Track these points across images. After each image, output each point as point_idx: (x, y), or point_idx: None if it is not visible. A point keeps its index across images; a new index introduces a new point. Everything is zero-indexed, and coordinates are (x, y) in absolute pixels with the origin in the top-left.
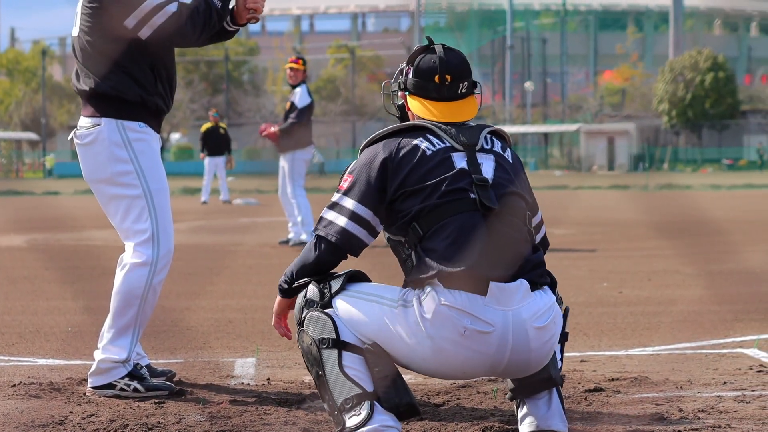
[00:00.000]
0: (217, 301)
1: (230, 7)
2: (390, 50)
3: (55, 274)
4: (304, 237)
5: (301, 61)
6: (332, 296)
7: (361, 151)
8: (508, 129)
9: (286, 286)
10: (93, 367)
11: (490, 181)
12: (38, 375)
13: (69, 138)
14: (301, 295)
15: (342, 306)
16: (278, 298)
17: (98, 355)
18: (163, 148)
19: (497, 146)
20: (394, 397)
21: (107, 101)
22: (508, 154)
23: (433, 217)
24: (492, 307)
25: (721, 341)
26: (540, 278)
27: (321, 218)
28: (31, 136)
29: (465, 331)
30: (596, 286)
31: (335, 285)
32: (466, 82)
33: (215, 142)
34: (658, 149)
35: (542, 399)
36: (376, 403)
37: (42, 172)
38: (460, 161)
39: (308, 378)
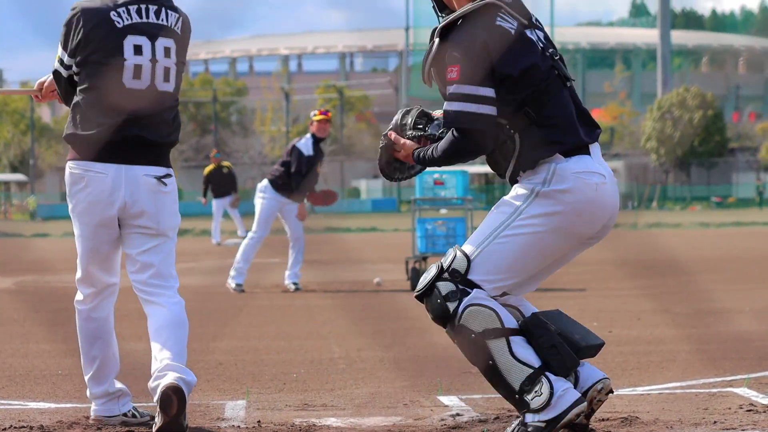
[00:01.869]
0: (207, 343)
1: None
2: (378, 90)
3: (45, 317)
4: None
5: (330, 114)
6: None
7: (440, 35)
8: None
9: (420, 157)
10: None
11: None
12: (28, 418)
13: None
14: (436, 294)
15: (482, 268)
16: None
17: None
18: None
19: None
20: (566, 362)
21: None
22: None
23: (542, 99)
24: (597, 163)
25: (711, 380)
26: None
27: (455, 113)
28: (20, 177)
29: (596, 188)
30: (587, 324)
31: (459, 264)
32: None
33: (219, 183)
34: (647, 187)
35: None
36: (549, 374)
37: (29, 213)
38: (535, 39)
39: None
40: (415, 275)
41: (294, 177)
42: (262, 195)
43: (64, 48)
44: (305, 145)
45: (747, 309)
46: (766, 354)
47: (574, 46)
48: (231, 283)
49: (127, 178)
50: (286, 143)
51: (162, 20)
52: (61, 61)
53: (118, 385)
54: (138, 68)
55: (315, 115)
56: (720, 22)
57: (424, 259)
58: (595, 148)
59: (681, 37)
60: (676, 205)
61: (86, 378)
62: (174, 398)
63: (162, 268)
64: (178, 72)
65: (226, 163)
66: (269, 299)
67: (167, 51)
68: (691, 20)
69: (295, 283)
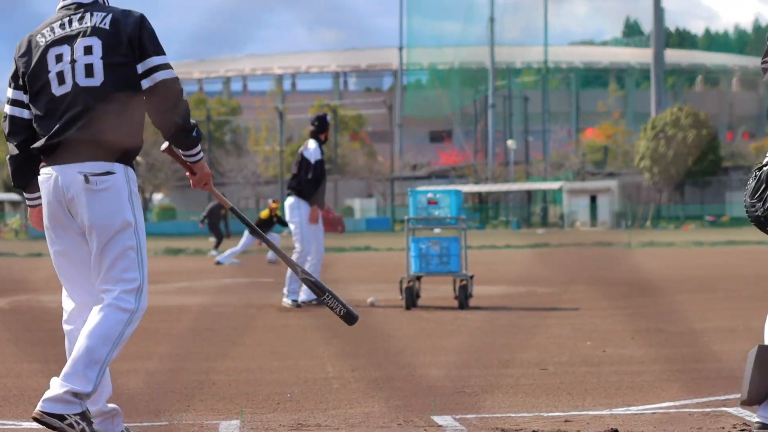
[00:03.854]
0: (201, 363)
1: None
2: (372, 109)
3: (38, 336)
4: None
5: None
6: None
7: None
8: (490, 188)
9: None
10: (51, 393)
11: None
12: None
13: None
14: None
15: None
16: None
17: (59, 383)
18: (145, 209)
19: None
20: None
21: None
22: None
23: None
24: None
25: (705, 400)
26: None
27: None
28: (13, 197)
29: None
30: (580, 344)
31: None
32: None
33: (263, 225)
34: (641, 206)
35: None
36: None
37: (23, 233)
38: None
39: None
40: (408, 295)
41: (310, 184)
42: (298, 210)
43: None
44: (315, 150)
45: (741, 328)
46: None
47: (567, 66)
48: (287, 301)
49: (63, 177)
50: (281, 162)
51: (85, 23)
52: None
53: (111, 405)
54: (60, 74)
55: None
56: (714, 41)
57: (418, 278)
58: None
59: (675, 56)
60: (670, 224)
61: (96, 374)
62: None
63: (108, 271)
64: (108, 67)
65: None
66: (263, 319)
67: (88, 49)
68: (684, 39)
69: (294, 300)
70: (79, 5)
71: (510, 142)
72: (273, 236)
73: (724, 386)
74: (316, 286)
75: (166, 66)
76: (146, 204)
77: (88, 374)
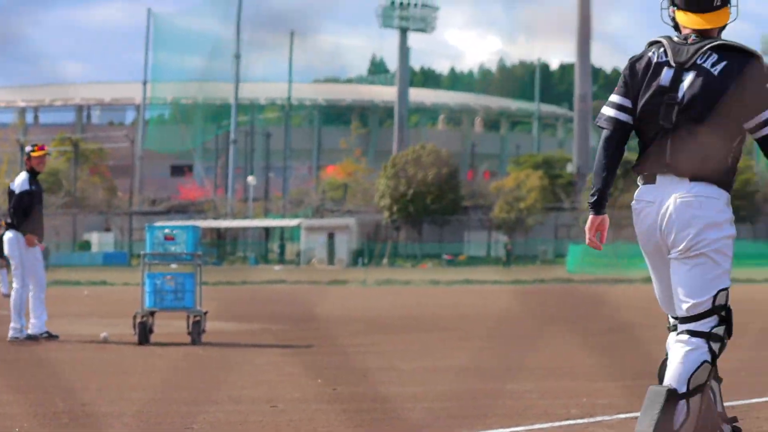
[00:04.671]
0: None
1: None
2: (114, 143)
3: None
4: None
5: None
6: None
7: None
8: (229, 223)
9: (590, 199)
10: None
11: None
12: None
13: None
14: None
15: None
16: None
17: None
18: None
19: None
20: None
21: None
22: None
23: None
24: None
25: None
26: None
27: (599, 115)
28: None
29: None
30: (311, 382)
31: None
32: None
33: None
34: (379, 244)
35: None
36: None
37: None
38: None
39: None
40: (142, 330)
41: (16, 215)
42: (16, 243)
43: None
44: (22, 182)
45: (473, 367)
46: (489, 410)
47: (311, 103)
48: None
49: None
50: None
51: None
52: None
53: None
54: None
55: (33, 150)
56: (458, 81)
57: (152, 314)
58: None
59: (419, 94)
60: (407, 262)
61: None
62: None
63: None
64: None
65: None
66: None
67: None
68: (429, 78)
69: (47, 332)
70: None
71: (250, 178)
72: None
73: (455, 425)
74: None
75: None
76: None
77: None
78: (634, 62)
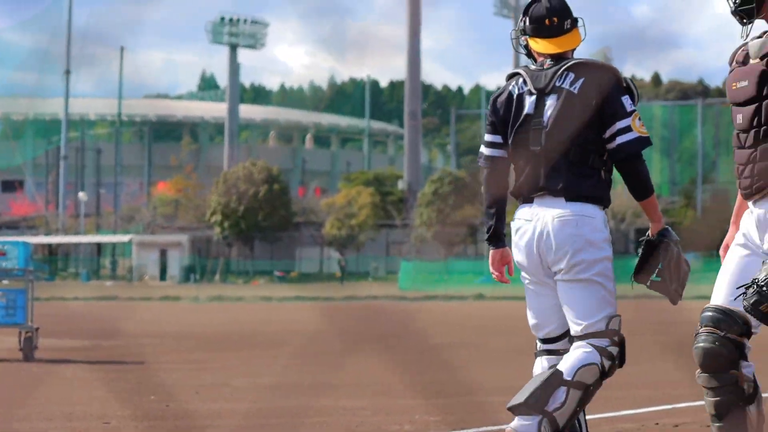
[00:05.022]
0: None
1: None
2: None
3: None
4: None
5: None
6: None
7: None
8: (61, 239)
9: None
10: None
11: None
12: None
13: None
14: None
15: None
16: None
17: None
18: None
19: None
20: None
21: None
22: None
23: None
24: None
25: None
26: None
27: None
28: None
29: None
30: (144, 399)
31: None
32: (568, 20)
33: None
34: (210, 260)
35: None
36: None
37: None
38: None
39: None
40: None
41: None
42: None
43: None
44: None
45: (307, 384)
46: (321, 428)
47: (141, 119)
48: None
49: None
50: None
51: None
52: None
53: None
54: None
55: None
56: (288, 97)
57: None
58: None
59: (249, 111)
60: (239, 278)
61: None
62: None
63: None
64: None
65: None
66: None
67: None
68: (259, 95)
69: None
70: None
71: (81, 194)
72: None
73: None
74: None
75: None
76: None
77: None
78: (495, 99)
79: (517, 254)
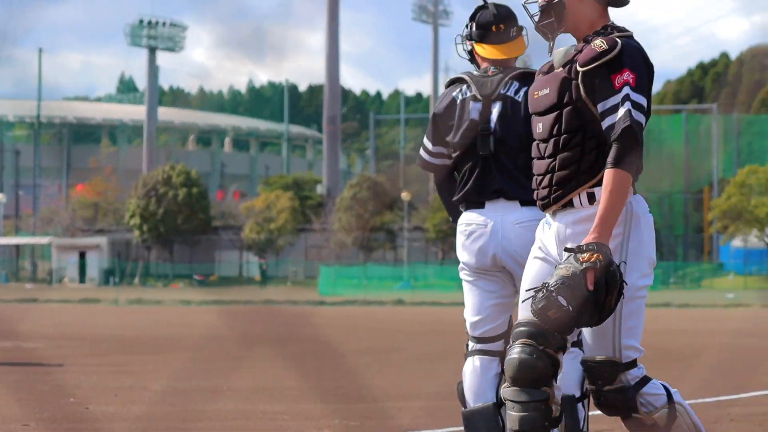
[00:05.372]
0: None
1: None
2: None
3: None
4: None
5: None
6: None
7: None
8: None
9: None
10: None
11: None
12: None
13: None
14: None
15: None
16: None
17: None
18: None
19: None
20: None
21: None
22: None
23: None
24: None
25: None
26: None
27: (417, 157)
28: None
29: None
30: (63, 401)
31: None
32: (514, 28)
33: None
34: (130, 263)
35: None
36: None
37: None
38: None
39: None
40: None
41: None
42: None
43: None
44: None
45: (225, 388)
46: None
47: (60, 121)
48: None
49: None
50: None
51: None
52: None
53: None
54: None
55: None
56: (207, 101)
57: None
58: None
59: (168, 114)
60: (159, 281)
61: None
62: None
63: None
64: None
65: None
66: None
67: None
68: (178, 98)
69: None
70: None
71: (0, 196)
72: None
73: None
74: None
75: None
76: None
77: None
78: (440, 102)
79: (466, 255)
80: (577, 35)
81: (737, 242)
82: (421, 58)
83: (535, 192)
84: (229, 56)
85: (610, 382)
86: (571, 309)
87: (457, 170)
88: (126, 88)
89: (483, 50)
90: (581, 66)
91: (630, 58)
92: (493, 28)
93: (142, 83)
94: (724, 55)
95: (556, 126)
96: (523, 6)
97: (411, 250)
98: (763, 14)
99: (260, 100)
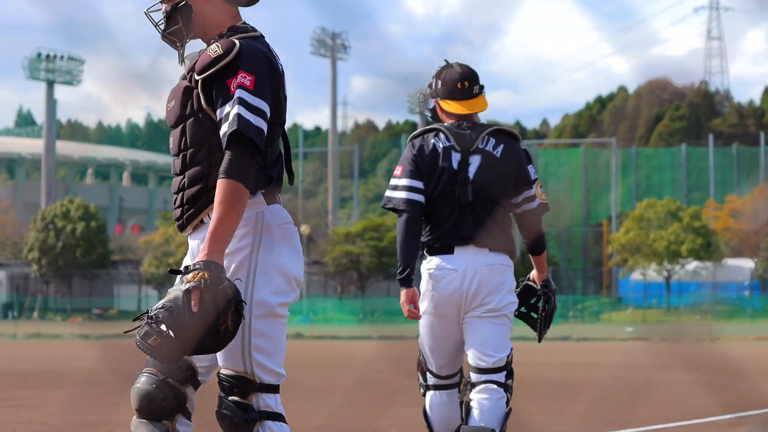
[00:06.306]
0: None
1: None
2: None
3: None
4: None
5: None
6: None
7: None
8: None
9: (400, 275)
10: None
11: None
12: None
13: None
14: None
15: None
16: (402, 290)
17: None
18: None
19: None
20: None
21: None
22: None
23: None
24: None
25: None
26: None
27: (386, 198)
28: None
29: None
30: None
31: None
32: (477, 86)
33: None
34: (28, 297)
35: None
36: None
37: None
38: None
39: None
40: None
41: None
42: None
43: None
44: None
45: (118, 423)
46: None
47: None
48: None
49: None
50: None
51: None
52: None
53: None
54: None
55: None
56: (106, 135)
57: None
58: None
59: (66, 147)
60: (57, 315)
61: None
62: None
63: None
64: None
65: None
66: None
67: None
68: (77, 131)
69: None
70: None
71: None
72: None
73: None
74: None
75: None
76: None
77: None
78: (421, 146)
79: (434, 301)
80: (206, 40)
81: (636, 276)
82: (319, 92)
83: (174, 212)
84: (126, 90)
85: (243, 396)
86: (172, 335)
87: (428, 215)
88: (24, 122)
89: (448, 106)
90: (198, 74)
91: (249, 60)
92: (458, 85)
93: (40, 117)
94: (623, 89)
95: (183, 140)
96: (146, 14)
97: (310, 283)
98: (656, 48)
99: (159, 134)
